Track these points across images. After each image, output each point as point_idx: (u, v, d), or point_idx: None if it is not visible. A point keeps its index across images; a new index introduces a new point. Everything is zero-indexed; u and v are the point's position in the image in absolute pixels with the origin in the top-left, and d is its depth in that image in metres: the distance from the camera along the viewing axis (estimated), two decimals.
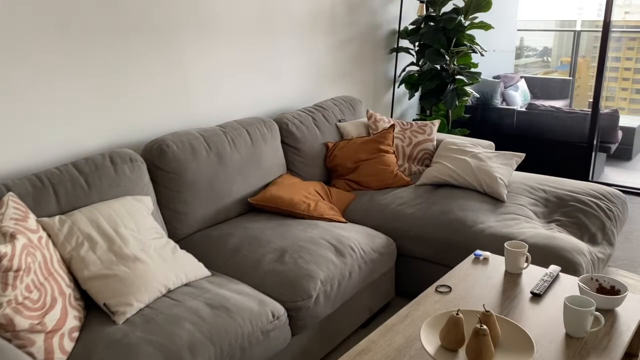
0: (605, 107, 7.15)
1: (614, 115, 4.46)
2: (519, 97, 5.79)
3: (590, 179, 4.20)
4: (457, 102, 4.06)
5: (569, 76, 6.66)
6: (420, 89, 4.22)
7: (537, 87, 6.21)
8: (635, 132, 4.97)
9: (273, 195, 2.55)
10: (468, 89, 4.10)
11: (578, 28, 6.69)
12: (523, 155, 2.99)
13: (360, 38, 3.87)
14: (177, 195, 2.31)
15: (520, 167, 4.44)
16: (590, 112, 4.18)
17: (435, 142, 3.24)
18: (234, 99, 2.93)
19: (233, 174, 2.52)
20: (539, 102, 5.99)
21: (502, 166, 2.88)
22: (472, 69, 4.12)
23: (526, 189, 2.82)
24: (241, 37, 2.90)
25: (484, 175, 2.77)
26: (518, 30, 6.59)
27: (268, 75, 3.13)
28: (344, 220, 2.59)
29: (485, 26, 4.02)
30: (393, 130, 3.10)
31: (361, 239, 2.36)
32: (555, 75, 7.52)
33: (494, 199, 2.72)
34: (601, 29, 3.98)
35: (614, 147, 4.50)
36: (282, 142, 2.91)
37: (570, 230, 2.55)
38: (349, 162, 2.99)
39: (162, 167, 2.28)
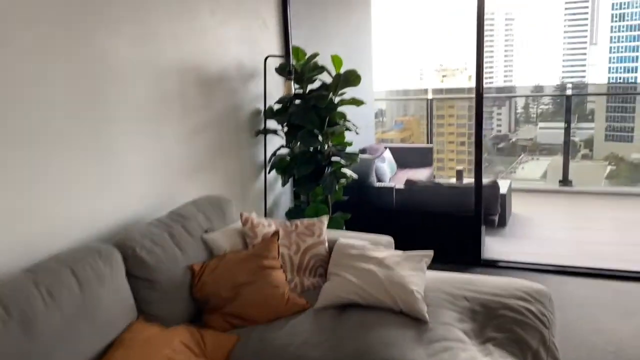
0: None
1: (495, 187, 4.32)
2: (387, 169, 5.55)
3: (481, 255, 3.93)
4: (336, 186, 3.57)
5: (427, 142, 6.69)
6: (294, 173, 3.66)
7: (401, 156, 6.07)
8: (506, 198, 4.93)
9: None
10: (346, 170, 3.64)
11: (430, 96, 6.81)
12: (431, 253, 2.52)
13: (219, 122, 3.23)
14: None
15: (406, 246, 4.04)
16: (473, 185, 3.96)
17: (327, 245, 2.65)
18: (51, 221, 2.07)
19: (51, 345, 1.65)
20: (404, 171, 5.83)
21: (413, 273, 2.36)
22: (348, 149, 3.69)
23: (445, 299, 2.32)
24: (62, 139, 2.09)
25: (397, 290, 2.22)
26: (375, 100, 6.51)
27: (103, 180, 2.32)
28: None
29: (357, 102, 3.64)
30: (278, 238, 2.45)
31: None
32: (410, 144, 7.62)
33: (414, 319, 2.17)
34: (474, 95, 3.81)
35: (496, 218, 4.35)
36: (129, 275, 2.09)
37: (510, 349, 2.07)
38: (225, 288, 2.25)
39: None
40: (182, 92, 2.85)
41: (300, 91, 3.60)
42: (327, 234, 2.72)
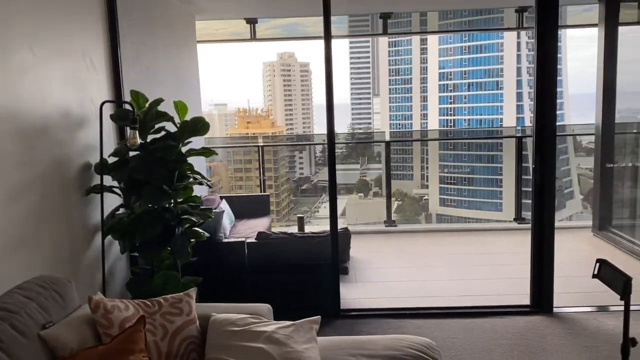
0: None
1: (347, 234, 4.30)
2: (226, 220, 5.22)
3: (340, 305, 3.83)
4: (189, 249, 3.15)
5: (261, 190, 6.55)
6: (137, 237, 3.13)
7: (237, 206, 5.79)
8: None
9: None
10: (198, 229, 3.26)
11: (261, 142, 6.71)
12: (318, 319, 2.29)
13: (43, 181, 2.62)
14: None
15: (266, 303, 3.75)
16: (323, 234, 3.87)
17: (198, 323, 2.25)
18: None
19: None
20: (243, 222, 5.56)
21: (308, 346, 2.10)
22: (199, 205, 3.31)
23: None
24: None
25: None
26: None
27: None
28: None
29: (208, 152, 3.33)
30: (144, 325, 1.99)
31: None
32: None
33: None
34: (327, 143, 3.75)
35: (348, 265, 4.32)
36: None
37: None
38: None
39: None
40: None
41: (140, 142, 3.14)
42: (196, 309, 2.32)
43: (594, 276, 2.18)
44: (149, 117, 3.10)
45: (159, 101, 3.14)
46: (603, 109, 5.57)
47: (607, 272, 2.11)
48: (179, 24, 5.32)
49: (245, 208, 5.71)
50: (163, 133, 3.20)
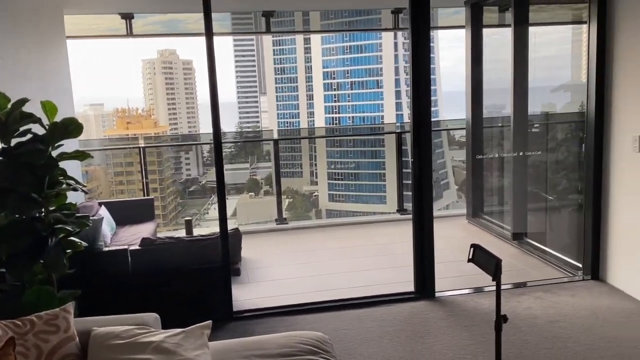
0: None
1: (237, 235, 4.22)
2: (107, 227, 4.91)
3: (232, 308, 3.76)
4: (65, 261, 2.92)
5: (145, 194, 6.24)
6: (2, 250, 2.83)
7: (118, 212, 5.46)
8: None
9: None
10: (75, 239, 3.03)
11: (142, 144, 6.40)
12: (209, 323, 2.23)
13: None
14: None
15: (157, 312, 3.58)
16: (212, 236, 3.79)
17: (77, 340, 2.09)
18: None
19: None
20: (125, 229, 5.27)
21: (199, 352, 2.04)
22: (74, 212, 3.07)
23: None
24: None
25: None
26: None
27: None
28: None
29: (82, 155, 3.09)
30: (14, 348, 1.80)
31: None
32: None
33: None
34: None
35: (240, 266, 4.25)
36: None
37: None
38: None
39: None
40: None
41: (3, 146, 2.85)
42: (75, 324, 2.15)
43: (469, 260, 2.35)
44: (12, 119, 2.81)
45: (23, 101, 2.86)
46: (472, 105, 6.04)
47: (480, 256, 2.28)
48: (46, 18, 4.90)
49: (128, 214, 5.41)
50: (30, 136, 2.92)
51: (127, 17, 5.88)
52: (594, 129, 4.11)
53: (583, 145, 4.36)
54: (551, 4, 5.61)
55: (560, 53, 5.46)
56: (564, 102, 5.73)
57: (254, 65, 36.29)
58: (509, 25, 5.28)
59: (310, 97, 28.52)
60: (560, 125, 5.51)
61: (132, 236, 4.79)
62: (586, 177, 4.26)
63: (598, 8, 3.98)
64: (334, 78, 27.41)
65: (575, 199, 4.78)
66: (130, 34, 5.94)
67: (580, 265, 4.36)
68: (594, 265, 4.24)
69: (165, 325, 2.39)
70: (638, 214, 3.79)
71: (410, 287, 4.13)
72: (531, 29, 5.21)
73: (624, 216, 3.96)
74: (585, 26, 4.18)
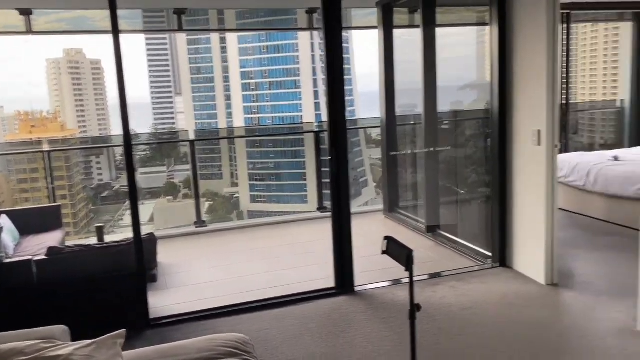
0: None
1: (153, 240, 4.07)
2: (8, 237, 4.58)
3: (149, 315, 3.63)
4: None
5: (51, 201, 5.87)
6: None
7: (21, 221, 5.11)
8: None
9: None
10: None
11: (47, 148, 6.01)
12: (123, 332, 2.14)
13: None
14: None
15: (64, 324, 3.38)
16: (124, 242, 3.64)
17: None
18: None
19: None
20: (30, 238, 4.94)
21: None
22: None
23: None
24: None
25: None
26: None
27: None
28: None
29: None
30: None
31: None
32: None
33: None
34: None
35: (156, 272, 4.10)
36: None
37: None
38: None
39: None
40: None
41: None
42: None
43: (383, 252, 2.41)
44: None
45: None
46: (386, 105, 6.23)
47: (393, 248, 2.35)
48: None
49: (33, 222, 5.07)
50: None
51: (26, 12, 5.50)
52: (498, 125, 4.37)
53: (489, 140, 4.62)
54: (457, 6, 5.90)
55: (466, 54, 5.75)
56: (471, 100, 6.05)
57: (168, 65, 35.19)
58: (418, 27, 5.49)
59: (228, 98, 28.12)
60: (468, 122, 5.81)
61: (38, 246, 4.50)
62: (492, 170, 4.52)
63: (498, 10, 4.23)
64: (252, 78, 27.22)
65: (484, 192, 5.05)
66: (30, 30, 5.56)
67: (490, 254, 4.62)
68: (501, 253, 4.51)
69: (77, 337, 2.26)
70: (538, 203, 4.08)
71: (331, 284, 4.18)
72: (439, 31, 5.44)
73: (526, 206, 4.25)
74: (488, 28, 4.44)
